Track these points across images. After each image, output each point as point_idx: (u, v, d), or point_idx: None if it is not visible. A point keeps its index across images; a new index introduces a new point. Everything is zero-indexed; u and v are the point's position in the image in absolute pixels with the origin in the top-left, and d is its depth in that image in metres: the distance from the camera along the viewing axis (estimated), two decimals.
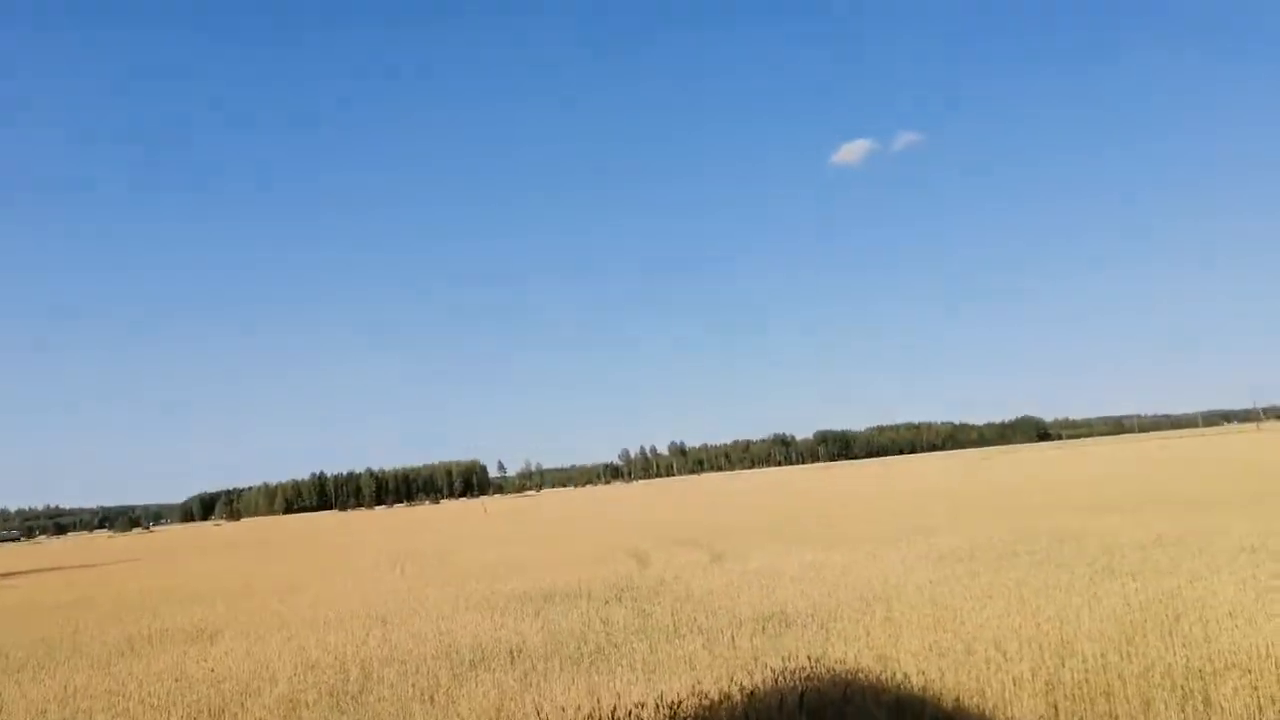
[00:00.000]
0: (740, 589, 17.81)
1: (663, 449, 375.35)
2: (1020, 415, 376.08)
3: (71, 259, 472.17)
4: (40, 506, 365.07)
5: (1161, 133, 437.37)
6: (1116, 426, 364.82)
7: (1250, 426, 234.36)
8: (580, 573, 24.18)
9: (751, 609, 15.18)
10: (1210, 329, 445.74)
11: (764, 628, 13.48)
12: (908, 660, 11.05)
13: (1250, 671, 9.76)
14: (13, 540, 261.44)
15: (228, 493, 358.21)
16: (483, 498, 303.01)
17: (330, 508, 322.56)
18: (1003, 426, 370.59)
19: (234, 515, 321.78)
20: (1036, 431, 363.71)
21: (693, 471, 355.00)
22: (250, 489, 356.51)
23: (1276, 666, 9.72)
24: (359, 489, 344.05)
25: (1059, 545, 21.07)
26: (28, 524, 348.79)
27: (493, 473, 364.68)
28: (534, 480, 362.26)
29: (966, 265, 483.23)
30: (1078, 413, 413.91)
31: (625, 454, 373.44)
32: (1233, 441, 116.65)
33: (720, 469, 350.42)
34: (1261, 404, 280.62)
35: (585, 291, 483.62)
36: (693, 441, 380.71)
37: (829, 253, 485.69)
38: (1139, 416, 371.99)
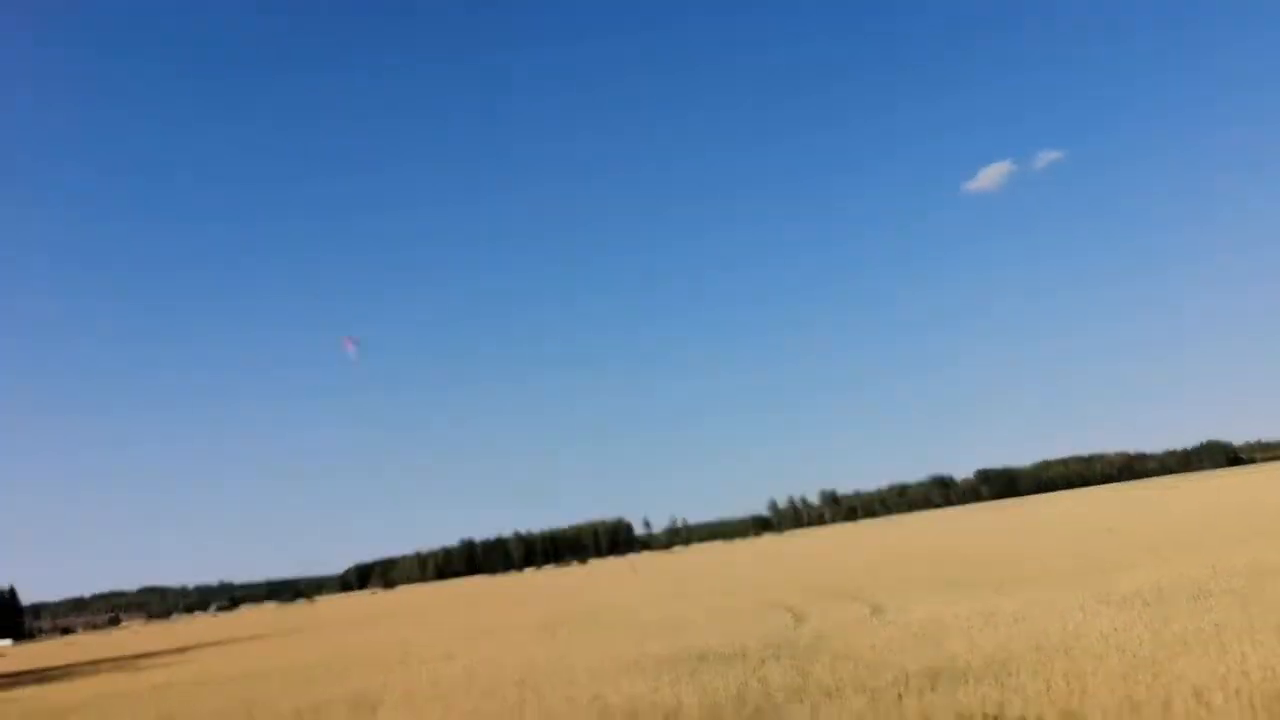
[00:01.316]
0: (904, 642, 17.18)
1: (813, 497, 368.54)
2: (1205, 440, 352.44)
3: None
4: (214, 582, 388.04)
5: None
6: None
7: None
8: (734, 630, 23.86)
9: (918, 663, 14.59)
10: None
11: (933, 684, 12.92)
12: (1096, 716, 10.38)
13: None
14: (189, 614, 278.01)
15: (382, 562, 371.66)
16: (630, 556, 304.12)
17: (479, 573, 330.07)
18: (1186, 453, 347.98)
19: (389, 584, 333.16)
20: (1225, 456, 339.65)
21: (846, 519, 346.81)
22: (403, 558, 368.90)
23: None
24: (507, 553, 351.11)
25: (1260, 581, 19.49)
26: (205, 597, 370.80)
27: (638, 530, 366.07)
28: (681, 536, 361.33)
29: (1126, 280, 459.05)
30: (1271, 433, 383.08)
31: (774, 504, 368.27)
32: None
33: (875, 515, 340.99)
34: None
35: (718, 336, 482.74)
36: (845, 488, 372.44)
37: (975, 282, 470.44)
38: None
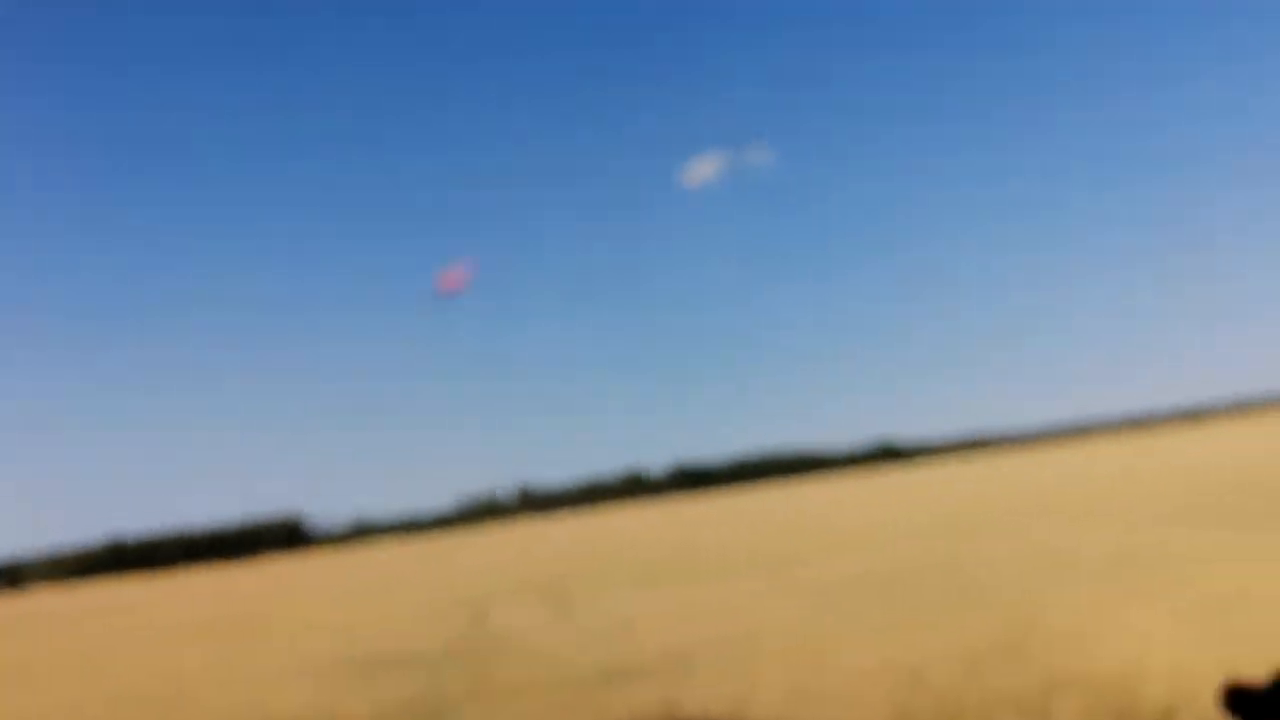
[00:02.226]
0: (589, 639, 17.80)
1: (506, 491, 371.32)
2: (877, 437, 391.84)
3: None
4: None
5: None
6: (977, 444, 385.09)
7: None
8: (413, 632, 23.60)
9: (601, 660, 15.18)
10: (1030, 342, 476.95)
11: (613, 680, 13.50)
12: (766, 702, 11.30)
13: (1089, 688, 10.47)
14: None
15: (5, 563, 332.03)
16: (304, 551, 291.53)
17: (130, 571, 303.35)
18: (857, 451, 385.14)
19: (16, 585, 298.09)
20: (891, 453, 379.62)
21: (538, 515, 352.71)
22: (35, 557, 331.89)
23: (1114, 683, 10.46)
24: (162, 550, 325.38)
25: (921, 573, 22.02)
26: None
27: (315, 523, 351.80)
28: (362, 531, 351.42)
29: (803, 280, 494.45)
30: (934, 432, 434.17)
31: (463, 499, 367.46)
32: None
33: (568, 509, 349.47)
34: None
35: (420, 326, 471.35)
36: (536, 481, 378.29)
37: (678, 276, 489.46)
38: (1001, 431, 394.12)
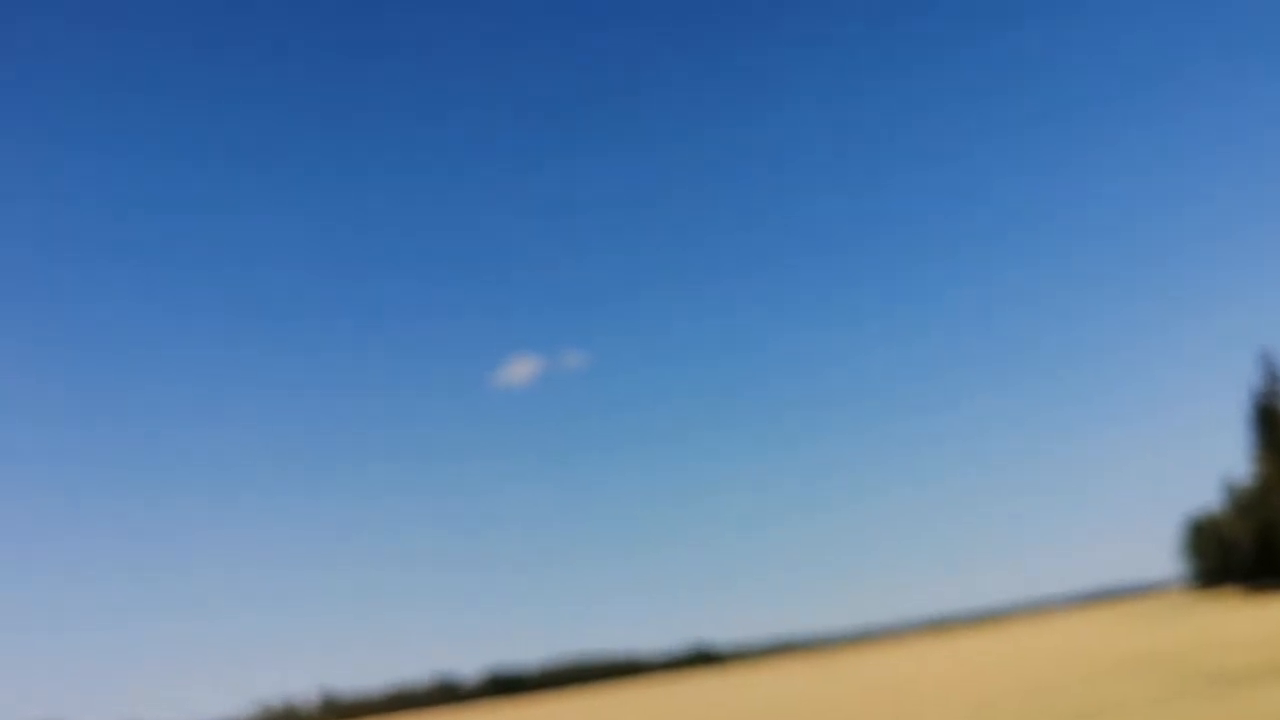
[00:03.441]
0: None
1: (306, 697, 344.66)
2: (693, 641, 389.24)
3: None
4: None
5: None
6: (780, 646, 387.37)
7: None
8: None
9: None
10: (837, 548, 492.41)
11: None
12: None
13: None
14: None
15: None
16: None
17: None
18: (675, 656, 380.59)
19: None
20: (705, 657, 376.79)
21: None
22: None
23: None
24: None
25: None
26: None
27: None
28: None
29: (599, 486, 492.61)
30: (746, 635, 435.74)
31: (261, 705, 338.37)
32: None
33: (377, 717, 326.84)
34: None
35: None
36: (341, 687, 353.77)
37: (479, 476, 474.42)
38: (797, 636, 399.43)
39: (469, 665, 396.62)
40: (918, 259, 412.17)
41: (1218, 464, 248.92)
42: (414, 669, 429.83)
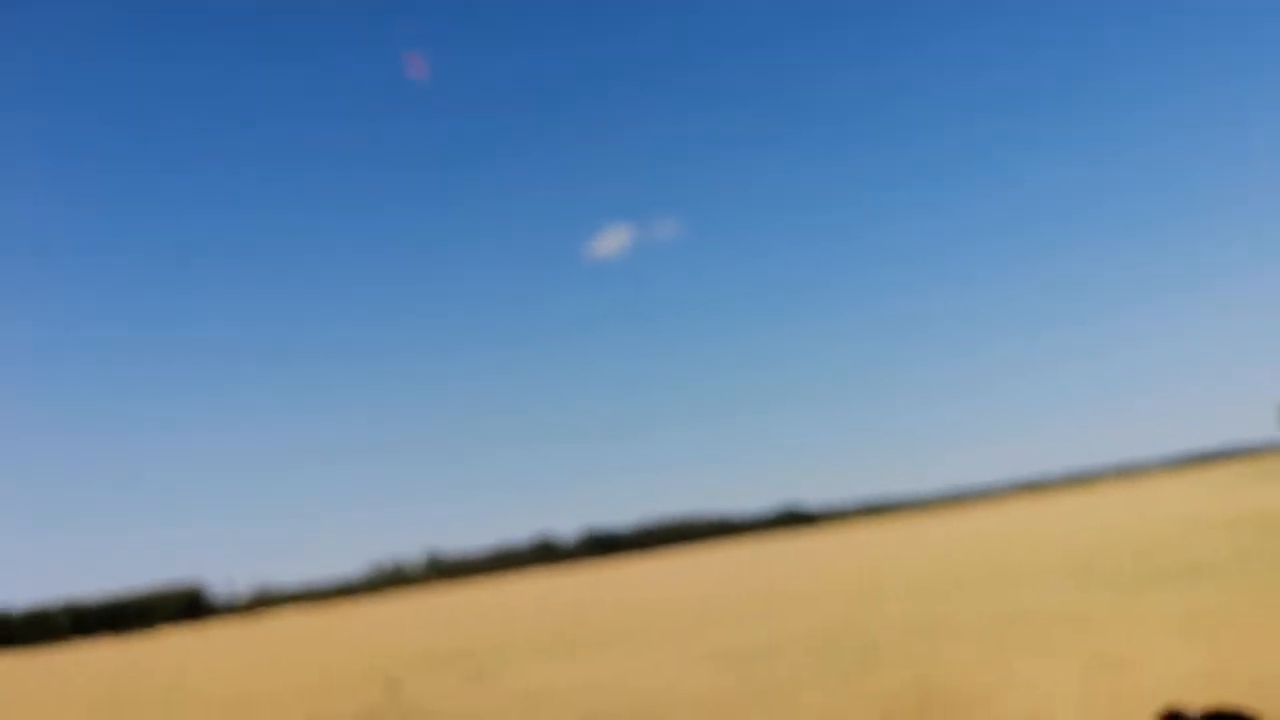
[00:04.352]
0: (506, 708, 17.48)
1: (415, 557, 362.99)
2: (785, 502, 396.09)
3: None
4: None
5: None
6: (874, 509, 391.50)
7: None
8: (322, 706, 22.83)
9: None
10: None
11: None
12: None
13: None
14: None
15: None
16: (205, 621, 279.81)
17: (15, 645, 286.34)
18: (767, 517, 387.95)
19: None
20: (800, 518, 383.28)
21: (450, 582, 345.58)
22: None
23: None
24: (52, 623, 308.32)
25: (826, 637, 22.22)
26: None
27: (216, 591, 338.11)
28: (268, 600, 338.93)
29: (691, 352, 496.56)
30: (840, 496, 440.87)
31: (373, 565, 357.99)
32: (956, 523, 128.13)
33: (479, 576, 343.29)
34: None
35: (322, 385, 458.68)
36: (448, 547, 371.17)
37: (581, 347, 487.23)
38: (893, 498, 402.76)
39: (567, 527, 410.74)
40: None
41: None
42: (515, 531, 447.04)
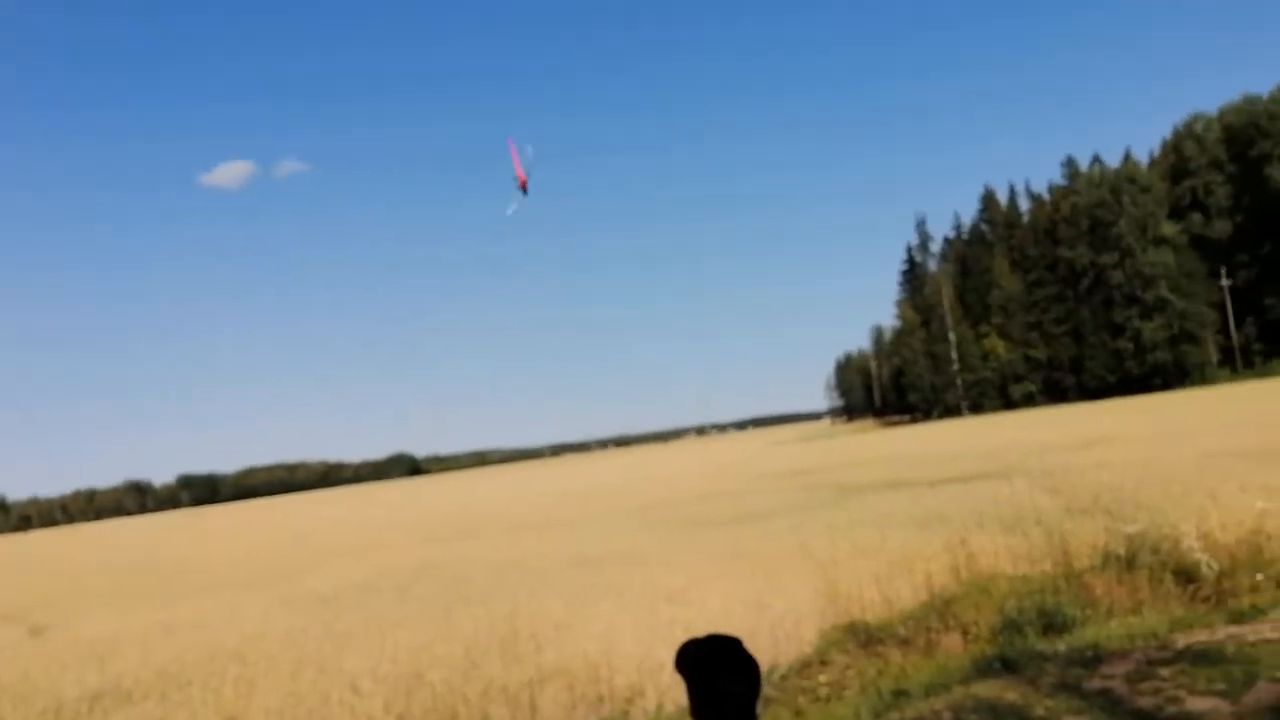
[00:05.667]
0: (66, 664, 15.57)
1: None
2: (394, 452, 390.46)
3: None
4: None
5: None
6: (479, 459, 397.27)
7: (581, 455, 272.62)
8: None
9: (79, 686, 13.34)
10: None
11: (92, 707, 11.96)
12: (259, 718, 10.69)
13: (570, 677, 11.29)
14: None
15: None
16: None
17: None
18: (377, 464, 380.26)
19: None
20: (410, 467, 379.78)
21: (17, 530, 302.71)
22: None
23: (590, 671, 11.37)
24: None
25: (417, 578, 22.17)
26: None
27: None
28: None
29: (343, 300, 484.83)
30: (447, 447, 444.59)
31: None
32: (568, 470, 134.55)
33: (56, 524, 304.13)
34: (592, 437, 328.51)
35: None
36: (16, 494, 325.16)
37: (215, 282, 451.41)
38: (499, 450, 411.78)
39: (162, 472, 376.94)
40: None
41: (874, 315, 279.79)
42: (105, 476, 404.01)
